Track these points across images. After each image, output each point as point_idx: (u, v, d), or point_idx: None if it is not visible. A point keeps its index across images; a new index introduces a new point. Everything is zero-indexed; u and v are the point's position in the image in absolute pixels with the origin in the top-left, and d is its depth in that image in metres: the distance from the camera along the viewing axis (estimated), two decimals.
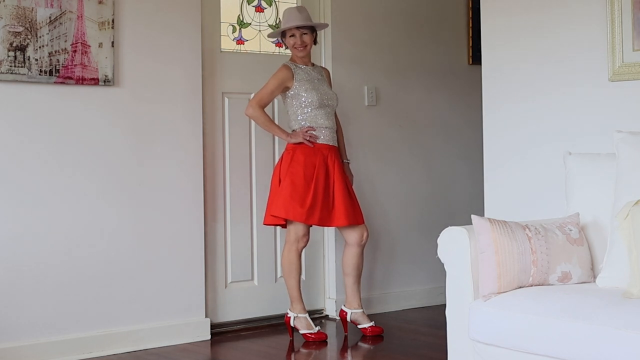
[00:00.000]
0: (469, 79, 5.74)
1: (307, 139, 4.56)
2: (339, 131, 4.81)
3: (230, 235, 4.93)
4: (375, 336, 4.67)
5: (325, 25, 4.85)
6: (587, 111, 3.93)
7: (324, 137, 4.63)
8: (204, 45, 4.80)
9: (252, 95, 4.74)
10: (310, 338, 4.60)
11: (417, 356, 4.26)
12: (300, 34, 4.64)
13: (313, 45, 4.74)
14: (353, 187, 4.78)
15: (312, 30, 4.70)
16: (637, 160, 3.19)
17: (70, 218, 4.28)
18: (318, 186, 4.56)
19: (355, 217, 4.63)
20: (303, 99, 4.60)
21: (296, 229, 4.61)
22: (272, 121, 4.72)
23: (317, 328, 4.68)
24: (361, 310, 4.75)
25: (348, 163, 4.88)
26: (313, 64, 4.77)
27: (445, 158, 5.75)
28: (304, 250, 4.79)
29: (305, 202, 4.53)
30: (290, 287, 4.67)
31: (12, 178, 4.13)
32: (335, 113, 4.78)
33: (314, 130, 4.60)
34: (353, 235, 4.69)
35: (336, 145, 4.70)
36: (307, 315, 4.68)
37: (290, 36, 4.66)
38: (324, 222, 4.61)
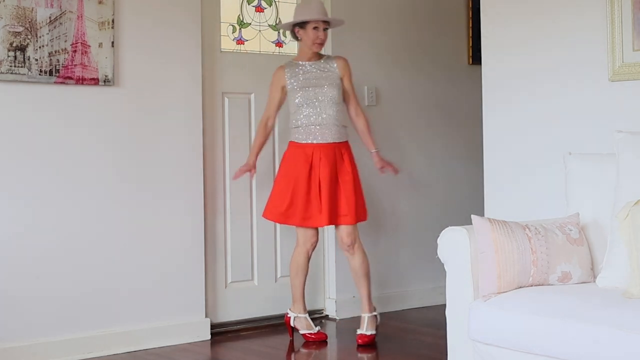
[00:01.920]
0: (469, 79, 5.74)
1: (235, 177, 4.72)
2: (358, 123, 4.68)
3: (230, 235, 4.93)
4: (321, 341, 4.61)
5: (343, 22, 4.75)
6: (587, 111, 3.93)
7: (312, 136, 4.53)
8: (204, 45, 4.80)
9: (252, 96, 4.74)
10: (310, 338, 4.60)
11: (417, 356, 4.26)
12: (324, 28, 4.56)
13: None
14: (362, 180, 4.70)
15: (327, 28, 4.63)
16: (637, 160, 3.19)
17: (70, 218, 4.28)
18: (298, 186, 4.51)
19: (337, 217, 4.54)
20: (292, 98, 4.58)
21: (303, 231, 4.60)
22: (257, 143, 4.70)
23: (317, 328, 4.67)
24: (368, 314, 4.61)
25: (376, 152, 4.71)
26: (321, 56, 4.65)
27: (446, 158, 5.75)
28: None
29: (284, 203, 4.53)
30: (294, 287, 4.67)
31: (12, 178, 4.12)
32: (354, 105, 4.66)
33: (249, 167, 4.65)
34: (339, 238, 4.66)
35: (330, 142, 4.54)
36: (307, 315, 4.67)
37: (313, 28, 4.54)
38: (306, 222, 4.55)
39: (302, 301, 4.67)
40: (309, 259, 4.67)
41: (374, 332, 4.57)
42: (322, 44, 4.58)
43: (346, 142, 4.64)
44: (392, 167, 4.75)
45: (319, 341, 4.59)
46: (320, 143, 4.54)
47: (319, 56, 4.64)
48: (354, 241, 4.58)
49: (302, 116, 4.55)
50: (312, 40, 4.54)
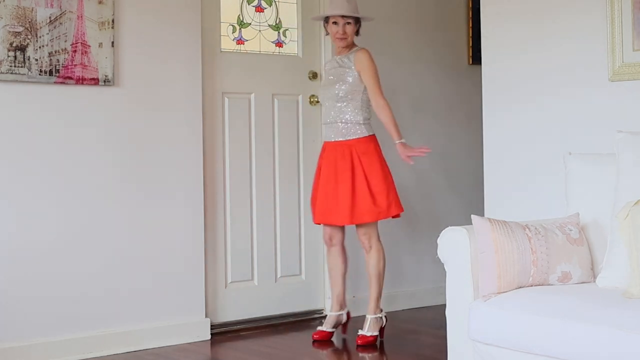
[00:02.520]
0: (469, 79, 5.74)
1: None
2: (379, 116, 4.52)
3: (230, 235, 4.93)
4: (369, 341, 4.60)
5: (371, 19, 4.70)
6: (587, 111, 3.93)
7: (324, 134, 4.66)
8: (204, 45, 4.80)
9: (252, 96, 4.77)
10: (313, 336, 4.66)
11: (417, 356, 4.26)
12: (344, 22, 4.53)
13: (355, 36, 4.61)
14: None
15: (357, 20, 4.58)
16: (637, 161, 3.19)
17: (70, 218, 4.27)
18: (315, 184, 4.69)
19: (330, 216, 4.54)
20: None
21: (322, 228, 4.76)
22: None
23: (324, 328, 4.66)
24: (371, 315, 4.57)
25: (400, 143, 4.50)
26: (352, 47, 4.59)
27: (446, 158, 5.74)
28: (304, 250, 4.96)
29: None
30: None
31: (12, 178, 4.12)
32: (374, 99, 4.50)
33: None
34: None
35: (333, 140, 4.55)
36: (332, 313, 4.69)
37: (332, 23, 4.55)
38: (313, 219, 4.72)
39: (334, 298, 4.71)
40: (332, 256, 4.67)
41: (375, 333, 4.55)
42: (343, 39, 4.55)
43: (357, 140, 4.53)
44: (417, 152, 4.51)
45: (320, 340, 4.60)
46: (328, 141, 4.61)
47: (348, 49, 4.61)
48: (369, 240, 4.57)
49: (325, 112, 4.66)
50: (333, 35, 4.58)
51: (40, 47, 4.14)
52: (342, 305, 4.71)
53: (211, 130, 4.86)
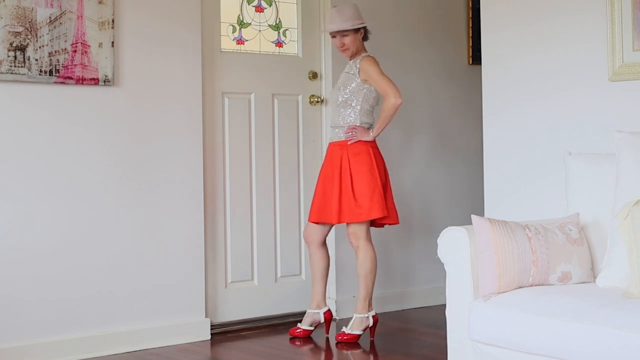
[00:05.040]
0: (469, 79, 5.74)
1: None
2: (388, 108, 4.55)
3: (230, 235, 4.93)
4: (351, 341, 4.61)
5: (364, 24, 4.67)
6: (587, 111, 3.93)
7: (329, 136, 4.76)
8: (204, 45, 4.80)
9: (252, 96, 4.75)
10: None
11: (417, 356, 4.26)
12: (341, 35, 4.60)
13: (364, 41, 4.70)
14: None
15: (358, 29, 4.63)
16: (637, 160, 3.19)
17: (69, 218, 4.27)
18: (316, 183, 4.76)
19: (322, 214, 4.61)
20: None
21: None
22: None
23: (301, 325, 4.70)
24: (357, 315, 4.63)
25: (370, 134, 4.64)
26: (361, 53, 4.65)
27: (445, 158, 5.75)
28: (304, 250, 4.98)
29: None
30: None
31: (12, 177, 4.12)
32: (384, 97, 4.55)
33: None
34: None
35: (332, 141, 4.64)
36: (308, 311, 4.71)
37: (332, 37, 4.66)
38: None
39: (312, 296, 4.74)
40: (310, 254, 4.73)
41: (356, 332, 4.57)
42: (344, 50, 4.64)
43: (352, 143, 4.57)
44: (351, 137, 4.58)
45: (297, 337, 4.67)
46: (330, 142, 4.69)
47: (356, 56, 4.66)
48: (356, 241, 4.60)
49: (330, 116, 4.79)
50: (336, 47, 4.71)
51: (40, 47, 4.14)
52: (320, 304, 4.72)
53: (211, 130, 4.86)
